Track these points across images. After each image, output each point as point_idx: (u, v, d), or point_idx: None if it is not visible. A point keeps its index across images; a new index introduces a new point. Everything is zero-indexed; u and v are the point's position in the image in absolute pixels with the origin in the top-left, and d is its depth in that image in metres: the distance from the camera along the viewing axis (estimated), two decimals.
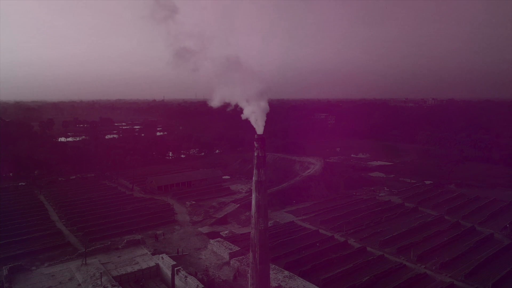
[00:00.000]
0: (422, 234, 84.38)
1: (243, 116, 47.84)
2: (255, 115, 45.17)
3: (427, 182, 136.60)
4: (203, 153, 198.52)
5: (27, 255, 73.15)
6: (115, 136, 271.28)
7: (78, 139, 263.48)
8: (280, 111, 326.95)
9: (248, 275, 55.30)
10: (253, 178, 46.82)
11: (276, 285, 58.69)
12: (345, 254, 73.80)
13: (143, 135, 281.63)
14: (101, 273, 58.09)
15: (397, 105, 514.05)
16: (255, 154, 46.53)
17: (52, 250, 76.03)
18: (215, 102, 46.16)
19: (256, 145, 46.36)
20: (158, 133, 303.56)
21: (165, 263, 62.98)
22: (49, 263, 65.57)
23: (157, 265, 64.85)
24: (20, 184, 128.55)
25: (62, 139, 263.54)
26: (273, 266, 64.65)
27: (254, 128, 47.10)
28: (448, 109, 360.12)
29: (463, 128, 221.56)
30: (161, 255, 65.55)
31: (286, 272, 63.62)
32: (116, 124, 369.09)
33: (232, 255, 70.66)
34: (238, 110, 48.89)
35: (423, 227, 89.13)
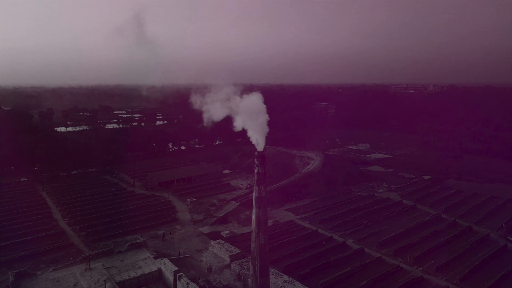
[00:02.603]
0: (419, 235, 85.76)
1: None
2: (255, 135, 45.58)
3: (426, 177, 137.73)
4: (203, 145, 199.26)
5: (32, 257, 74.47)
6: (115, 126, 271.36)
7: (78, 128, 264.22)
8: (281, 100, 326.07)
9: (249, 280, 56.79)
10: (253, 194, 47.64)
11: None
12: (344, 257, 75.27)
13: (143, 124, 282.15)
14: (104, 280, 59.48)
15: (397, 91, 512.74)
16: (256, 170, 47.19)
17: (56, 251, 77.26)
18: (208, 124, 47.03)
19: (256, 162, 46.97)
20: (158, 122, 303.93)
21: (167, 268, 64.36)
22: (54, 268, 66.95)
23: (160, 270, 66.26)
24: (22, 179, 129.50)
25: (62, 128, 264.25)
26: (273, 270, 66.03)
27: None
28: (449, 97, 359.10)
29: (463, 119, 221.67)
30: (163, 260, 66.88)
31: (285, 277, 64.99)
32: (115, 112, 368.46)
33: (233, 258, 72.01)
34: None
35: (421, 227, 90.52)
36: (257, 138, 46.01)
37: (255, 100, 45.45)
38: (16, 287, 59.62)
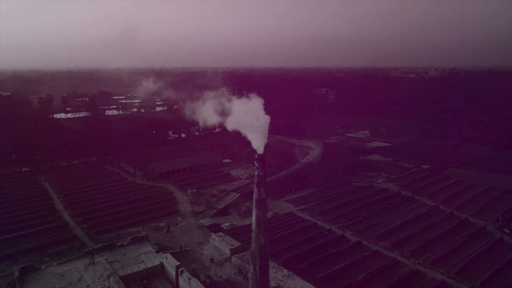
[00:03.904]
0: (417, 227, 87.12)
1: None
2: (254, 138, 46.02)
3: (425, 166, 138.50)
4: (203, 133, 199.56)
5: (36, 250, 75.64)
6: (115, 112, 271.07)
7: (78, 115, 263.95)
8: (280, 86, 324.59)
9: (249, 274, 57.99)
10: (254, 196, 48.32)
11: (276, 285, 61.59)
12: (342, 250, 76.64)
13: (142, 110, 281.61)
14: (108, 275, 60.81)
15: (398, 76, 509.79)
16: (256, 173, 47.78)
17: (60, 244, 78.39)
18: (201, 125, 47.77)
19: (256, 164, 47.51)
20: (157, 108, 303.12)
21: (169, 262, 65.69)
22: (58, 262, 68.26)
23: (162, 264, 67.65)
24: (24, 169, 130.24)
25: (62, 115, 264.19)
26: (273, 264, 67.54)
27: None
28: (449, 82, 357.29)
29: (463, 106, 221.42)
30: (165, 254, 68.19)
31: (285, 271, 66.53)
32: (115, 97, 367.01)
33: (233, 251, 73.48)
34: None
35: (418, 219, 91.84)
36: (257, 141, 46.46)
37: (254, 107, 45.72)
38: (22, 282, 60.96)
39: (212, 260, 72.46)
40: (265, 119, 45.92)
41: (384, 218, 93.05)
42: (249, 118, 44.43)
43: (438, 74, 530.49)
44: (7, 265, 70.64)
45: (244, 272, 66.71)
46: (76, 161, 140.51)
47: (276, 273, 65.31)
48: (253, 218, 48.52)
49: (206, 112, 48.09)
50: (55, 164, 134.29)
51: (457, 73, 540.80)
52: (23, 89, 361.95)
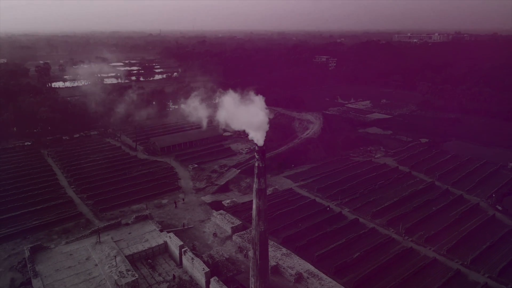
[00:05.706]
0: (412, 204, 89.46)
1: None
2: (254, 132, 46.84)
3: (423, 140, 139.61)
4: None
5: (43, 227, 78.05)
6: (113, 81, 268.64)
7: (76, 83, 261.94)
8: (281, 52, 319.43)
9: (249, 253, 60.79)
10: (254, 186, 49.79)
11: (275, 263, 64.56)
12: (339, 227, 79.35)
13: (142, 79, 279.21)
14: (115, 255, 63.56)
15: (401, 41, 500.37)
16: (256, 164, 49.02)
17: (66, 221, 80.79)
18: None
19: (256, 156, 48.67)
20: (156, 76, 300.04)
21: (173, 242, 68.35)
22: (66, 241, 71.03)
23: (166, 242, 70.43)
24: (26, 143, 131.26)
25: (60, 84, 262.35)
26: (272, 242, 70.19)
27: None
28: (452, 49, 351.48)
29: (465, 77, 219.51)
30: (168, 234, 70.78)
31: (283, 249, 69.33)
32: (112, 64, 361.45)
33: (234, 229, 76.15)
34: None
35: (414, 196, 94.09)
36: (256, 135, 47.35)
37: (253, 108, 46.30)
38: (32, 261, 63.81)
39: (215, 235, 75.61)
40: (264, 117, 46.58)
41: (381, 194, 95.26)
42: (247, 119, 45.02)
43: (441, 39, 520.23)
44: (17, 242, 73.41)
45: (245, 250, 69.65)
46: (78, 135, 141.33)
47: (276, 252, 68.10)
48: (253, 206, 50.29)
49: (198, 113, 48.62)
50: (57, 138, 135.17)
51: (461, 38, 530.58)
52: (19, 55, 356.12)
